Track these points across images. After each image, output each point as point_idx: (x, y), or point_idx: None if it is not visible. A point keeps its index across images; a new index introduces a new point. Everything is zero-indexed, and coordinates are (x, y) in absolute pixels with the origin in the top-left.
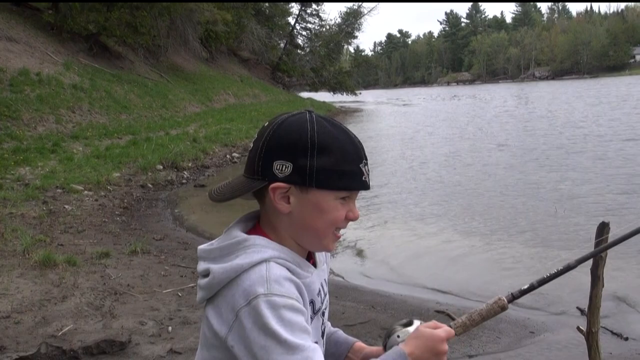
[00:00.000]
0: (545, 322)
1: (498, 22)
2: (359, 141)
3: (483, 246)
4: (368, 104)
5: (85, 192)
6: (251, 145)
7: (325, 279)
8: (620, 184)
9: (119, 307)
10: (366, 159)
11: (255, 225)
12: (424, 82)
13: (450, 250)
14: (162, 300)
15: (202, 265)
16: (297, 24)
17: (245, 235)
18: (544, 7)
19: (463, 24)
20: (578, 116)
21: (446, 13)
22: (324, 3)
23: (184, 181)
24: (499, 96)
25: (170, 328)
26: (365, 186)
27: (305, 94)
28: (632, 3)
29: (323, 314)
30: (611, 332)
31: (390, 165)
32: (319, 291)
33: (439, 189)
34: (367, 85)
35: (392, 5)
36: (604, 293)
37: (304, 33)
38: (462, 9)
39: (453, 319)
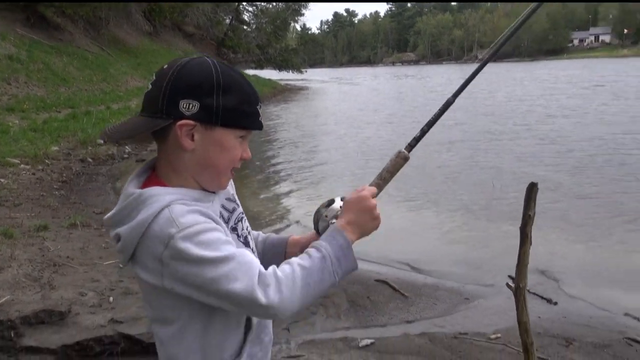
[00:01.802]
0: (479, 289)
1: (443, 4)
2: (254, 86)
3: (422, 218)
4: (314, 82)
5: (22, 165)
6: (150, 86)
7: (229, 197)
8: (553, 158)
9: (58, 278)
10: (260, 102)
11: (150, 175)
12: (369, 61)
13: (392, 224)
14: (102, 272)
15: (112, 232)
16: None
17: (139, 191)
18: None
19: (409, 5)
20: (518, 97)
21: None
22: None
23: (125, 156)
24: (443, 77)
25: (111, 298)
26: (261, 126)
27: (250, 71)
28: None
29: (234, 229)
30: (541, 297)
31: (334, 141)
32: (220, 214)
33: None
34: (313, 64)
35: None
36: (536, 261)
37: (250, 9)
38: None
39: (393, 288)
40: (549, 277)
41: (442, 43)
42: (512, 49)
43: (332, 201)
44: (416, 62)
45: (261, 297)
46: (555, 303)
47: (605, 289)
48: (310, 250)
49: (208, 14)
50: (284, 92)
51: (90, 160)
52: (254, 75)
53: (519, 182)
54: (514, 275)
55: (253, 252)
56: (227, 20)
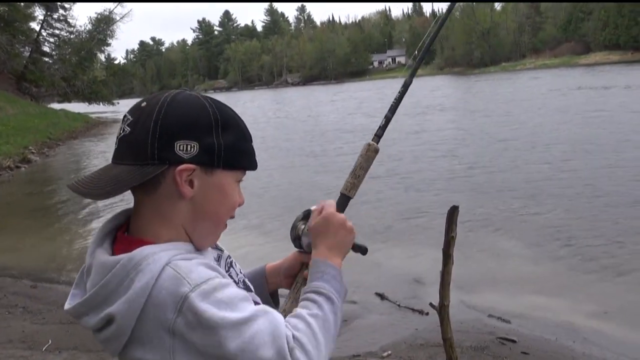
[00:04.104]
0: (353, 310)
1: (250, 31)
2: None
3: (274, 243)
4: None
5: None
6: (126, 129)
7: (218, 251)
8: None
9: None
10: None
11: (120, 238)
12: None
13: (245, 250)
14: None
15: (90, 319)
16: (43, 30)
17: (126, 255)
18: (291, 16)
19: (216, 32)
20: (325, 117)
21: (199, 21)
22: (72, 8)
23: None
24: (258, 102)
25: None
26: (256, 165)
27: (57, 105)
28: (367, 14)
29: (243, 282)
30: (412, 309)
31: None
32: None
33: None
34: (122, 95)
35: (145, 11)
36: (402, 276)
37: (51, 40)
38: (214, 17)
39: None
40: (415, 290)
41: (252, 69)
42: (319, 72)
43: (309, 212)
44: (228, 88)
45: None
46: (427, 313)
47: (466, 294)
48: (311, 295)
49: (3, 45)
50: (97, 126)
51: None
52: (62, 110)
53: (366, 202)
54: (380, 292)
55: (256, 295)
56: (26, 53)
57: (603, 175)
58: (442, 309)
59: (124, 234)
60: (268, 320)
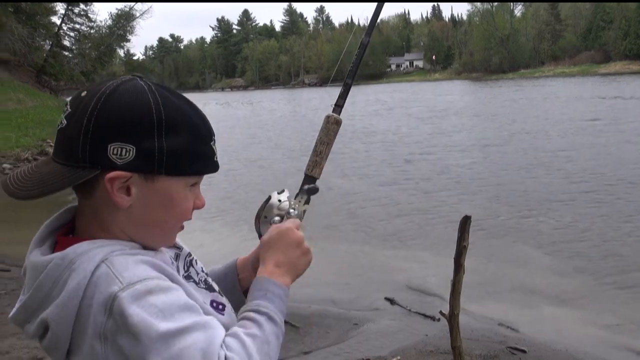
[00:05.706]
0: (364, 313)
1: (268, 30)
2: (204, 114)
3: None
4: None
5: None
6: (64, 121)
7: (175, 250)
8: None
9: None
10: (214, 135)
11: (60, 240)
12: (198, 87)
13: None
14: None
15: (30, 327)
16: (63, 24)
17: (59, 253)
18: (309, 17)
19: (235, 31)
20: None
21: (217, 19)
22: (93, 3)
23: None
24: (274, 102)
25: None
26: (217, 167)
27: None
28: (386, 17)
29: (188, 277)
30: (424, 315)
31: None
32: (172, 262)
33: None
34: None
35: (164, 9)
36: (412, 281)
37: (71, 34)
38: (233, 16)
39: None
40: (426, 296)
41: (270, 68)
42: (336, 73)
43: (268, 199)
44: (245, 87)
45: None
46: (438, 320)
47: (477, 302)
48: (250, 314)
49: (25, 39)
50: None
51: None
52: None
53: (379, 205)
54: (390, 296)
55: (220, 295)
56: (47, 46)
57: (624, 186)
58: (453, 317)
59: (63, 236)
60: (204, 336)
